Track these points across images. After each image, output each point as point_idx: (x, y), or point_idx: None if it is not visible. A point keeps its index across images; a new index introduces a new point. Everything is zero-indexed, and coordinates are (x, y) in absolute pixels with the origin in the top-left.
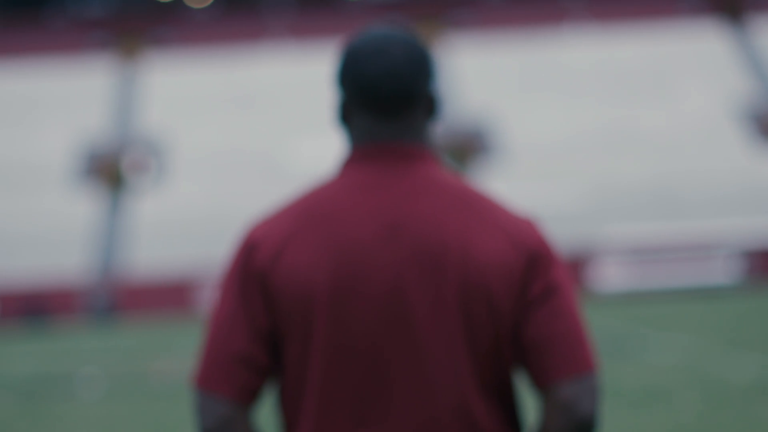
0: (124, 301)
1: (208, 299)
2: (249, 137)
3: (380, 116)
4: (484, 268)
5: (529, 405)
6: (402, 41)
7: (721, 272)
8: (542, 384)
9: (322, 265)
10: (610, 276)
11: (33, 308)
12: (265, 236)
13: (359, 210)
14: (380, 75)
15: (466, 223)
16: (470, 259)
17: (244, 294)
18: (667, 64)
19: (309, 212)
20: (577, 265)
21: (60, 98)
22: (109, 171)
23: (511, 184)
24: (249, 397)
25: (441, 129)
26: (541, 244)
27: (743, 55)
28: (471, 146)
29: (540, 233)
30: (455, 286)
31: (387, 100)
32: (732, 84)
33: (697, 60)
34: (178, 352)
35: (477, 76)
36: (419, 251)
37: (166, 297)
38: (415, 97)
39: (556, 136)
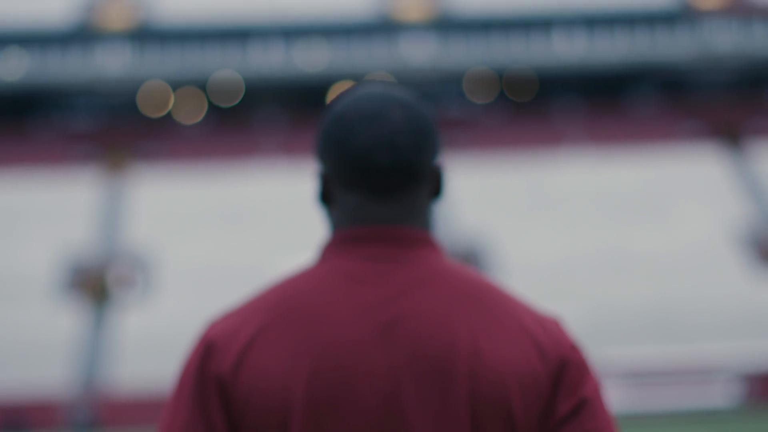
0: (106, 416)
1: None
2: (237, 253)
3: (373, 195)
4: (501, 378)
5: None
6: (402, 103)
7: (721, 396)
8: None
9: (299, 372)
10: (609, 399)
11: (13, 422)
12: (227, 335)
13: (346, 304)
14: (375, 144)
15: (478, 323)
16: (484, 367)
17: (200, 406)
18: (666, 188)
19: (282, 306)
20: None
21: (45, 210)
22: (94, 284)
23: None
24: None
25: None
26: (573, 351)
27: (742, 180)
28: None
29: (569, 337)
30: (464, 398)
31: (383, 175)
32: (730, 209)
33: (696, 184)
34: None
35: (473, 196)
36: (420, 355)
37: (149, 413)
38: (419, 173)
39: (554, 258)
